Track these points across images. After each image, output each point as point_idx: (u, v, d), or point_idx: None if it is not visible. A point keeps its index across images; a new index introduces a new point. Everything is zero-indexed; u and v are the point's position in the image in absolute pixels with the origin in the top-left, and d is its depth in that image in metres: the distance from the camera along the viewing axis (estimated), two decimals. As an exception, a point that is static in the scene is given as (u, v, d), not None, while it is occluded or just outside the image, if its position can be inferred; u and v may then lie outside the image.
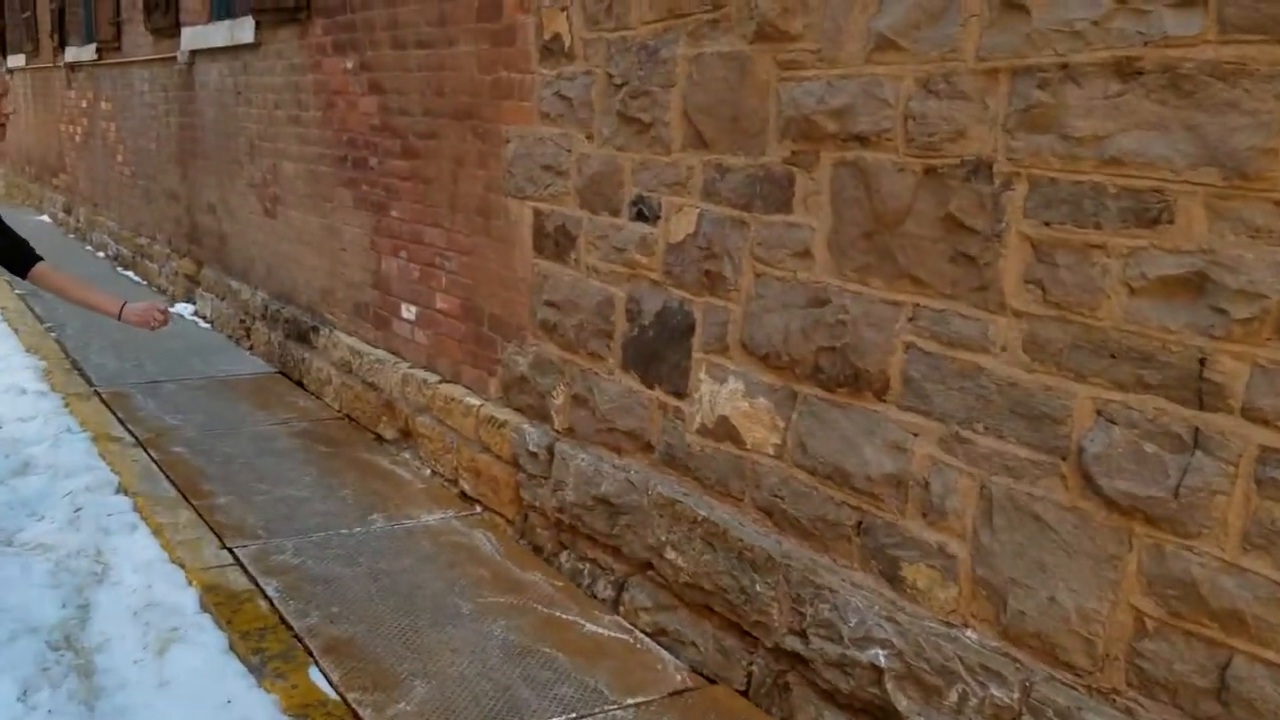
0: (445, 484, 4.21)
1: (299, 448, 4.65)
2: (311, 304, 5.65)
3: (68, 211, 10.95)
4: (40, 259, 3.03)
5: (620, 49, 3.10)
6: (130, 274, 8.70)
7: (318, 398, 5.42)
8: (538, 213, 3.58)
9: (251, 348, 6.37)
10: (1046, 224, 1.99)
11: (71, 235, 10.62)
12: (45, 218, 11.72)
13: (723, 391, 2.80)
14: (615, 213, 3.19)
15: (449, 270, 4.25)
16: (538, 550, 3.61)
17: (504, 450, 3.78)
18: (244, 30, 5.92)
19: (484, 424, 3.92)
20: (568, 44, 3.32)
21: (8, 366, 5.58)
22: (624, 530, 3.14)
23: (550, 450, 3.52)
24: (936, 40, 2.17)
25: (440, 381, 4.32)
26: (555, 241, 3.49)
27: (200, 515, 3.78)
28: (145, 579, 3.29)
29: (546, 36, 3.42)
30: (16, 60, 12.55)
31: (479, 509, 3.96)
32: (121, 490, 3.97)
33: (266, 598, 3.18)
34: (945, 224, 2.17)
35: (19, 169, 13.38)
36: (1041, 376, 2.02)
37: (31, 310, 7.03)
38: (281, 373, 5.89)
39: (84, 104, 9.94)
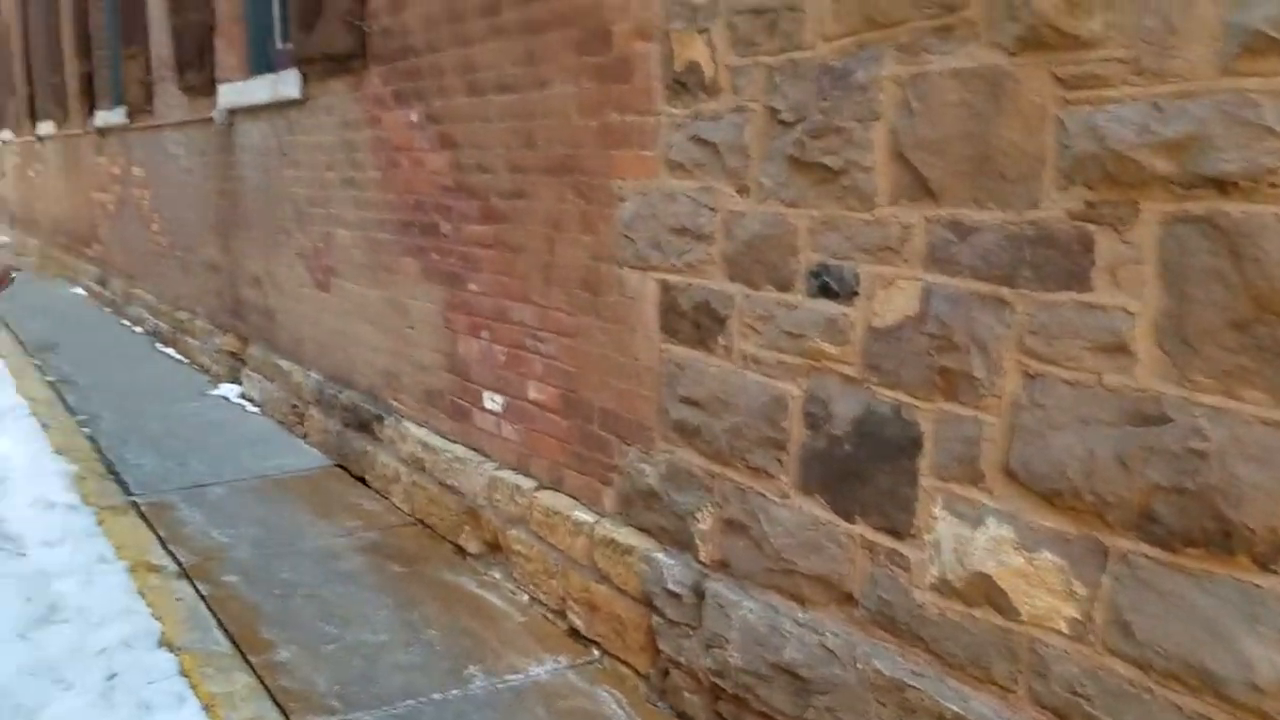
0: (549, 616, 3.45)
1: (369, 567, 3.92)
2: (373, 389, 4.96)
3: (102, 284, 10.42)
4: None
5: (790, 75, 2.37)
6: (170, 350, 8.10)
7: (384, 497, 4.70)
8: (667, 286, 2.85)
9: (305, 436, 5.68)
10: None
11: (107, 309, 10.08)
12: (79, 290, 11.23)
13: (977, 537, 2.03)
14: (785, 286, 2.44)
15: (544, 354, 3.52)
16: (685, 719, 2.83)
17: (630, 583, 3.02)
18: (288, 84, 5.29)
19: (600, 547, 3.16)
20: (709, 75, 2.60)
21: (35, 472, 4.92)
22: (823, 715, 2.36)
23: (698, 591, 2.76)
24: (1370, 30, 1.41)
25: (537, 488, 3.58)
26: (694, 323, 2.75)
27: (260, 678, 3.05)
28: (196, 781, 2.56)
29: (678, 67, 2.70)
30: (46, 127, 12.15)
31: (597, 654, 3.19)
32: (165, 644, 3.24)
33: (351, 812, 2.43)
34: (1406, 311, 1.40)
35: (52, 240, 12.94)
36: None
37: (63, 400, 6.41)
38: (340, 465, 5.19)
39: (115, 170, 9.43)
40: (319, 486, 4.91)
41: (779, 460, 2.51)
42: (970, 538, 2.03)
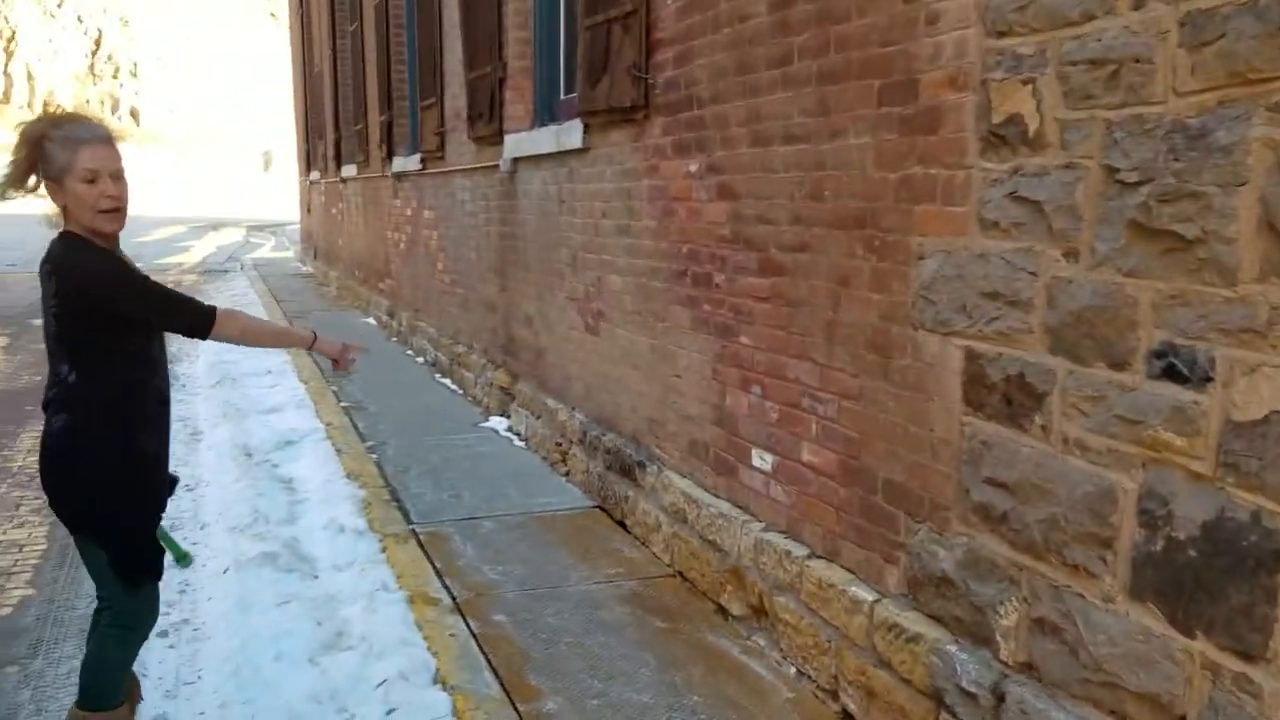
0: (819, 695, 3.26)
1: (630, 620, 3.88)
2: (636, 434, 4.97)
3: (391, 316, 11.21)
4: (213, 309, 2.71)
5: (1133, 132, 2.12)
6: (447, 381, 8.56)
7: (643, 545, 4.68)
8: (973, 354, 2.63)
9: (568, 474, 5.79)
10: None
11: (393, 339, 10.82)
12: (371, 320, 12.13)
13: (1366, 679, 1.69)
14: (1120, 365, 2.18)
15: (822, 416, 3.37)
16: (975, 830, 2.57)
17: (916, 674, 2.79)
18: (571, 135, 5.45)
19: (881, 630, 2.95)
20: (1033, 128, 2.38)
21: (329, 496, 5.27)
22: None
23: (997, 692, 2.50)
24: None
25: (809, 556, 3.41)
26: (1005, 397, 2.51)
27: (527, 729, 3.06)
28: (466, 830, 2.57)
29: (996, 119, 2.50)
30: (349, 170, 13.29)
31: (874, 742, 2.98)
32: (439, 681, 3.32)
33: None
34: None
35: (349, 273, 14.11)
36: None
37: (355, 426, 6.87)
38: (601, 508, 5.23)
39: (408, 212, 10.13)
40: (581, 528, 4.96)
41: (1103, 560, 2.23)
42: (1363, 683, 1.70)
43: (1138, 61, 2.10)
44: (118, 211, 2.58)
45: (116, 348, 2.61)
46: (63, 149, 2.52)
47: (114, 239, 2.64)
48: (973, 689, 2.56)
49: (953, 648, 2.67)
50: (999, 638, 2.54)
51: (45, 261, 2.57)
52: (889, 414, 3.00)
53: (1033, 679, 2.43)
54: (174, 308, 2.67)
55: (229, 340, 2.75)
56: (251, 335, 2.81)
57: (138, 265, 2.79)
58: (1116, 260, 2.17)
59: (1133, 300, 2.14)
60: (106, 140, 2.58)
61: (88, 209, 2.54)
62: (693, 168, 4.21)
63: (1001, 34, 2.47)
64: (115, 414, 2.65)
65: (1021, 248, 2.43)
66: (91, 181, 2.53)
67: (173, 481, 2.93)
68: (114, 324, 2.58)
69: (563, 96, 6.19)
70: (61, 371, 2.63)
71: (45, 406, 2.68)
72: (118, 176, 2.58)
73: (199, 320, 2.67)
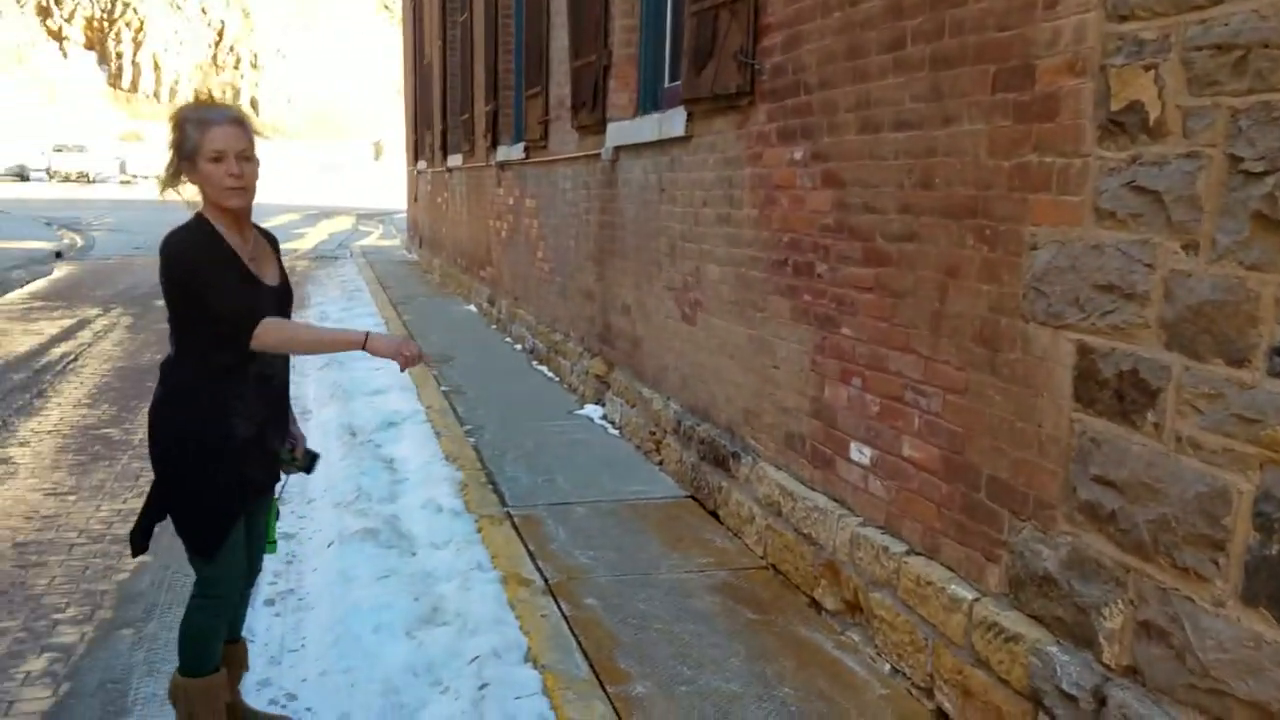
0: (914, 693, 3.21)
1: (721, 610, 3.87)
2: (731, 425, 4.95)
3: (491, 303, 11.39)
4: (254, 324, 2.62)
5: (1260, 120, 2.02)
6: (544, 368, 8.66)
7: (736, 536, 4.66)
8: (1085, 349, 2.54)
9: (661, 463, 5.80)
10: None
11: (493, 326, 11.00)
12: (472, 307, 12.34)
13: None
14: (1238, 362, 2.08)
15: (925, 410, 3.30)
16: (1072, 838, 2.50)
17: (1014, 675, 2.72)
18: (674, 123, 5.44)
19: (979, 629, 2.89)
20: (1154, 115, 2.29)
21: (428, 477, 5.39)
22: None
23: (1099, 696, 2.42)
24: None
25: (907, 553, 3.35)
26: (1117, 393, 2.43)
27: (616, 711, 3.07)
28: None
29: (1115, 106, 2.41)
30: (455, 159, 13.54)
31: (968, 743, 2.92)
32: (530, 660, 3.37)
33: None
34: None
35: (453, 260, 14.38)
36: None
37: (454, 409, 7.01)
38: (693, 498, 5.23)
39: (510, 201, 10.27)
40: (672, 517, 4.97)
41: (1215, 563, 2.14)
42: None
43: (1267, 47, 2.00)
44: (242, 190, 2.68)
45: (208, 331, 2.67)
46: (196, 129, 2.65)
47: (242, 216, 2.74)
48: (1073, 691, 2.48)
49: (1053, 649, 2.59)
50: (1102, 640, 2.46)
51: (162, 243, 2.68)
52: (995, 409, 2.93)
53: (1136, 683, 2.34)
54: (224, 309, 2.64)
55: (271, 349, 2.70)
56: (297, 344, 2.79)
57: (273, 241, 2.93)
58: (1238, 253, 2.07)
59: (1254, 295, 2.04)
60: (235, 121, 2.69)
61: (214, 186, 2.65)
62: (797, 155, 4.17)
63: (1123, 18, 2.38)
64: (203, 394, 2.71)
65: (1139, 239, 2.34)
66: (218, 160, 2.63)
67: (312, 458, 3.04)
68: (206, 309, 2.65)
69: (666, 84, 6.18)
70: (169, 344, 2.77)
71: None
72: (245, 157, 2.67)
73: (238, 332, 2.64)
